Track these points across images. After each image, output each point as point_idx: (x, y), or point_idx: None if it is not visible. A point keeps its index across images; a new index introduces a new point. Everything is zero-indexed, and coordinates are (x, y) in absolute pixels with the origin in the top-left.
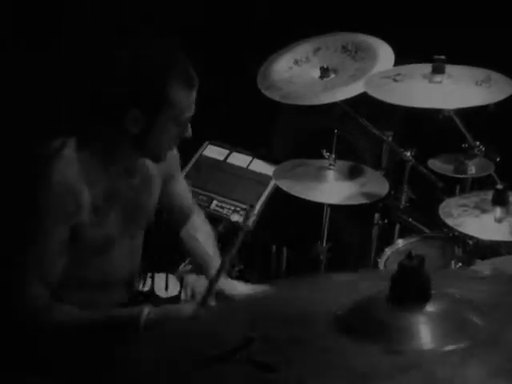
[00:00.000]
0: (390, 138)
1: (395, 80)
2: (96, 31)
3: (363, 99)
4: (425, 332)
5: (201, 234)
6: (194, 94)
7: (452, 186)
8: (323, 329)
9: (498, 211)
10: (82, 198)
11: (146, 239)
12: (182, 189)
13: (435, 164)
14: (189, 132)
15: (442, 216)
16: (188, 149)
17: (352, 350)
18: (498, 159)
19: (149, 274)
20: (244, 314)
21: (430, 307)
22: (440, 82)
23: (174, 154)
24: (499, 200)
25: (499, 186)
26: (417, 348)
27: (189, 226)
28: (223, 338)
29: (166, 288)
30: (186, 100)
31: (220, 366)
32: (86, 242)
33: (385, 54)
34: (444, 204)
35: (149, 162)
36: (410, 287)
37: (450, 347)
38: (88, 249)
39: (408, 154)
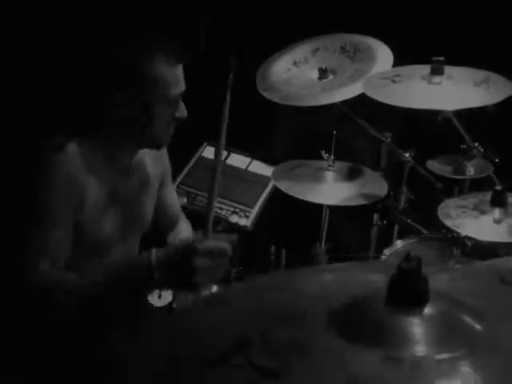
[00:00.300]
0: (389, 139)
1: (394, 81)
2: (96, 31)
3: (362, 100)
4: (423, 337)
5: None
6: (179, 70)
7: (451, 187)
8: (322, 328)
9: (497, 212)
10: (86, 191)
11: (142, 245)
12: (172, 195)
13: (434, 165)
14: (183, 111)
15: (440, 217)
16: (187, 150)
17: (352, 356)
18: (496, 160)
19: None
20: (239, 310)
21: (428, 310)
22: (439, 83)
23: (166, 159)
24: (498, 201)
25: (498, 187)
26: (415, 354)
27: (176, 232)
28: (218, 339)
29: (160, 296)
30: (172, 75)
31: (218, 370)
32: (84, 244)
33: (383, 55)
34: (443, 205)
35: (147, 163)
36: (408, 289)
37: (448, 353)
38: (85, 252)
39: (407, 155)
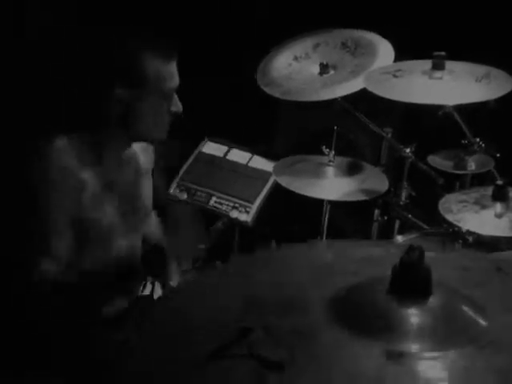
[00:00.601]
0: (390, 135)
1: (395, 76)
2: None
3: (363, 95)
4: (426, 333)
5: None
6: (172, 65)
7: (452, 182)
8: (325, 318)
9: (498, 207)
10: (81, 183)
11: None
12: (149, 188)
13: (435, 160)
14: (178, 106)
15: (441, 212)
16: (187, 145)
17: (354, 349)
18: (497, 155)
19: (149, 280)
20: (238, 299)
21: (431, 303)
22: (440, 78)
23: (152, 153)
24: (499, 195)
25: (499, 182)
26: (417, 350)
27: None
28: (219, 328)
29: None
30: (165, 70)
31: (221, 362)
32: (85, 237)
33: (384, 50)
34: (444, 200)
35: (139, 153)
36: (411, 281)
37: (452, 350)
38: (87, 247)
39: (408, 150)
